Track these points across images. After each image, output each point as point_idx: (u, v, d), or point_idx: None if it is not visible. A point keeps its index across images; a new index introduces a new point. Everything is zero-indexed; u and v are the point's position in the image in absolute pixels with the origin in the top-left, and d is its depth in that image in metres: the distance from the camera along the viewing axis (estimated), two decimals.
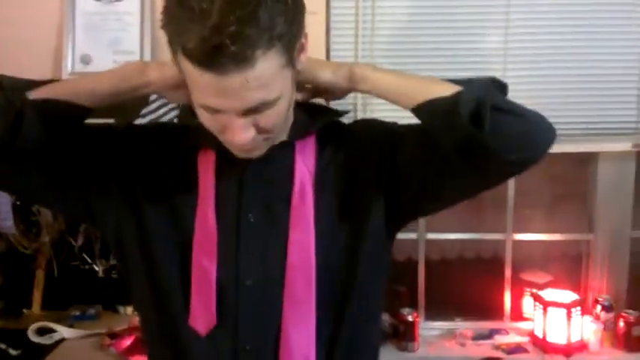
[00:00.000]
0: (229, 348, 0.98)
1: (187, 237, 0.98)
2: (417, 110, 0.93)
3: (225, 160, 0.98)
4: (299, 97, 1.01)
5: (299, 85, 0.98)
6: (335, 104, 2.00)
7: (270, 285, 0.97)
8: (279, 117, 0.90)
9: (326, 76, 1.00)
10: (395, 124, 1.06)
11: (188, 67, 0.81)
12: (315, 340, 0.97)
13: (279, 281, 0.96)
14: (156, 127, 1.17)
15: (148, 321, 1.08)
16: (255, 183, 0.99)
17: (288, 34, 0.82)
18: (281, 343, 0.96)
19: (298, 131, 1.01)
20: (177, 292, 0.99)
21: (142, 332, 1.15)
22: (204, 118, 0.89)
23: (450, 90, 0.89)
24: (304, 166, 0.99)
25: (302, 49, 0.88)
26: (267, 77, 0.81)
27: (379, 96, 0.99)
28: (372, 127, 1.07)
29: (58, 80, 1.02)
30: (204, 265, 0.96)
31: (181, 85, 0.91)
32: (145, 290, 1.02)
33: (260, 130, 0.88)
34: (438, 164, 0.94)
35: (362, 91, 1.01)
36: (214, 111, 0.85)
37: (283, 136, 1.00)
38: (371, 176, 1.01)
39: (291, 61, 0.85)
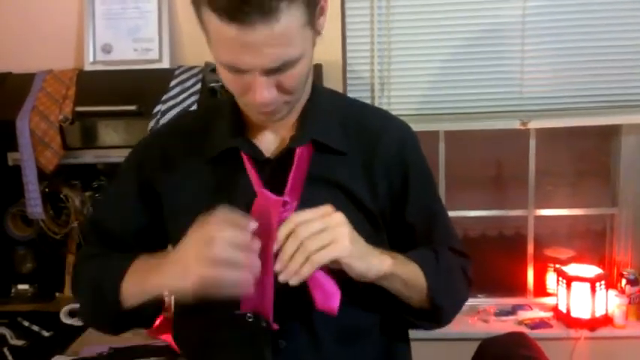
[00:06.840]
0: None
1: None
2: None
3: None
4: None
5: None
6: (352, 85, 2.01)
7: None
8: (301, 78, 0.91)
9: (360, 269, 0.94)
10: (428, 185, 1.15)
11: (213, 21, 0.82)
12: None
13: None
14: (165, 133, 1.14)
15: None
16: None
17: None
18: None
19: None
20: None
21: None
22: (227, 79, 0.90)
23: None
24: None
25: (322, 11, 0.89)
26: (290, 33, 0.83)
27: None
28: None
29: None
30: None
31: None
32: None
33: (282, 90, 0.89)
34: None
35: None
36: (237, 70, 0.86)
37: (302, 101, 1.01)
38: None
39: (311, 20, 0.87)
